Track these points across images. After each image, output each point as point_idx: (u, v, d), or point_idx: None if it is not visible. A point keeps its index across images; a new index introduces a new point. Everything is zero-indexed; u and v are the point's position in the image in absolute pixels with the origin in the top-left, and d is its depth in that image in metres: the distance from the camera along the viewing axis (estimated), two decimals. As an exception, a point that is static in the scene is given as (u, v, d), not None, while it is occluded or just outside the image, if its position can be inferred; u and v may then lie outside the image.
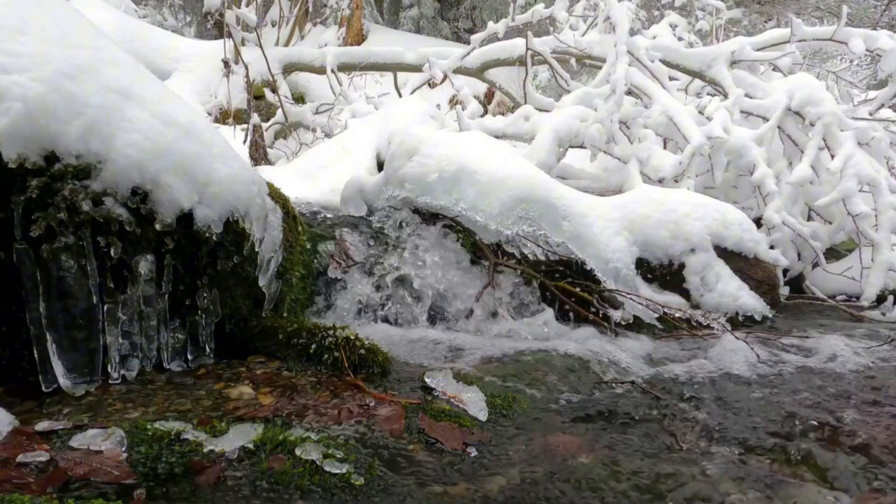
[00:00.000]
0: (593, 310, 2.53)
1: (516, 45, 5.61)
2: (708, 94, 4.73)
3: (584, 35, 5.25)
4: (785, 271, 3.44)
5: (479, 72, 6.06)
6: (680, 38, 7.05)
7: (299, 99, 7.43)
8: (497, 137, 3.84)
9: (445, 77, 5.19)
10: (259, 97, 6.45)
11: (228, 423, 1.31)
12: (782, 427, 1.58)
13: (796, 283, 3.62)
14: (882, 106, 4.13)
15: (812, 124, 3.66)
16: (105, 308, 1.50)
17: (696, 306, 2.76)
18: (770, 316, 2.86)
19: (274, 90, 6.14)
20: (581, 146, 3.91)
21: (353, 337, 1.76)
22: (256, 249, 1.83)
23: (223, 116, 6.57)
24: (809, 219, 3.82)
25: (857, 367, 2.10)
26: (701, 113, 4.01)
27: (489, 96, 9.11)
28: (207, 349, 1.74)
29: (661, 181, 3.53)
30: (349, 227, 2.54)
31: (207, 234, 1.66)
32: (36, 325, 1.40)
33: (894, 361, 2.17)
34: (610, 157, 3.89)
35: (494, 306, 2.51)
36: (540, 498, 1.18)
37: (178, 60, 7.39)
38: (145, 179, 1.51)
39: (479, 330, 2.40)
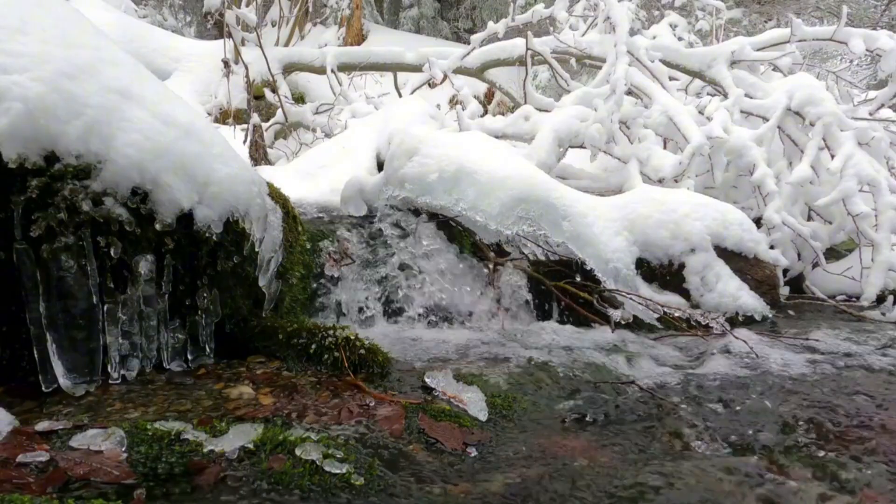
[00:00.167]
0: (593, 310, 2.53)
1: (516, 45, 5.60)
2: (708, 94, 4.73)
3: (584, 35, 5.25)
4: (785, 271, 3.44)
5: (479, 72, 6.06)
6: (680, 38, 7.05)
7: (299, 99, 7.43)
8: (497, 137, 3.84)
9: (445, 77, 5.19)
10: (259, 97, 6.44)
11: (228, 423, 1.31)
12: (783, 427, 1.58)
13: (796, 283, 3.62)
14: (882, 106, 4.12)
15: (812, 124, 3.65)
16: (105, 308, 1.50)
17: (696, 306, 2.76)
18: (770, 316, 2.86)
19: (274, 90, 6.14)
20: (581, 146, 3.90)
21: (352, 337, 1.76)
22: (256, 249, 1.83)
23: (223, 116, 6.57)
24: (809, 219, 3.82)
25: (857, 367, 2.10)
26: (701, 113, 4.01)
27: (489, 96, 9.11)
28: (207, 349, 1.74)
29: (661, 181, 3.53)
30: (349, 227, 2.54)
31: (207, 234, 1.66)
32: (36, 325, 1.40)
33: (894, 361, 2.17)
34: (610, 157, 3.88)
35: (494, 306, 2.51)
36: (540, 498, 1.17)
37: (178, 60, 7.39)
38: (145, 179, 1.51)
39: (479, 330, 2.40)
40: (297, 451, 1.19)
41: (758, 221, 3.34)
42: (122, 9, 9.58)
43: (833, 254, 3.88)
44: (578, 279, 2.61)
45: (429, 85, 5.58)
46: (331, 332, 1.78)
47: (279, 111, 6.01)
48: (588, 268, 2.62)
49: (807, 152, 3.60)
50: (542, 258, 2.64)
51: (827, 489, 1.27)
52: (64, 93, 1.42)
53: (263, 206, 1.88)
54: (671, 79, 4.48)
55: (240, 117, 6.10)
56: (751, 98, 4.03)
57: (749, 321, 2.78)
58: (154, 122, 1.58)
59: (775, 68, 4.55)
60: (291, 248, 2.14)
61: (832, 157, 3.55)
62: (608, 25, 4.48)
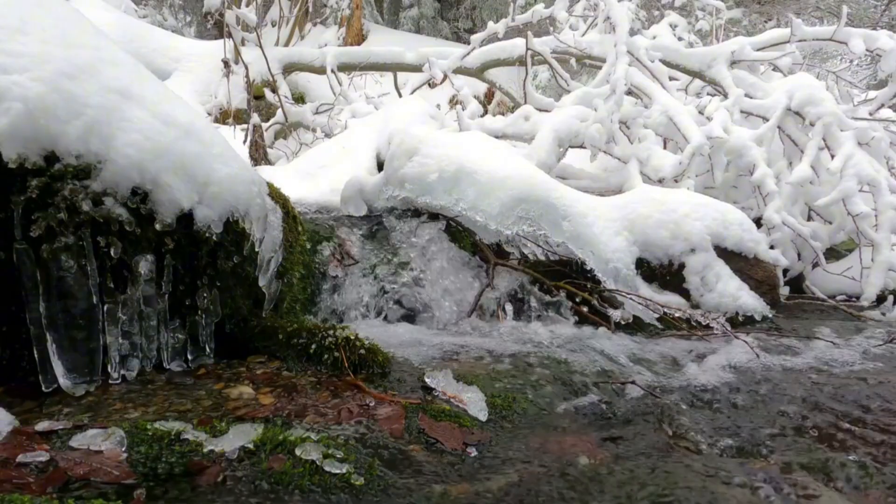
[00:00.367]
0: (593, 310, 2.53)
1: (516, 45, 5.61)
2: (708, 94, 4.73)
3: (584, 35, 5.25)
4: (785, 271, 3.44)
5: (479, 72, 6.06)
6: (680, 38, 7.06)
7: (299, 99, 7.43)
8: (497, 137, 3.84)
9: (445, 77, 5.19)
10: (259, 97, 6.45)
11: (228, 423, 1.31)
12: (782, 427, 1.58)
13: (796, 283, 3.62)
14: (882, 106, 4.13)
15: (812, 124, 3.66)
16: (105, 308, 1.50)
17: (696, 306, 2.76)
18: (770, 316, 2.86)
19: (274, 90, 6.14)
20: (581, 146, 3.90)
21: (353, 337, 1.76)
22: (256, 249, 1.83)
23: (223, 116, 6.57)
24: (809, 219, 3.82)
25: (857, 367, 2.10)
26: (701, 113, 4.01)
27: (489, 96, 9.12)
28: (207, 349, 1.74)
29: (661, 181, 3.53)
30: (349, 227, 2.54)
31: (207, 234, 1.66)
32: (36, 325, 1.40)
33: (894, 361, 2.17)
34: (610, 157, 3.89)
35: (494, 306, 2.51)
36: (540, 498, 1.17)
37: (178, 60, 7.39)
38: (145, 179, 1.51)
39: (479, 330, 2.40)
40: (297, 451, 1.19)
41: (758, 221, 3.34)
42: (122, 9, 9.59)
43: (833, 254, 3.88)
44: (578, 279, 2.61)
45: (429, 85, 5.58)
46: (331, 332, 1.78)
47: (279, 111, 6.02)
48: (588, 268, 2.62)
49: (807, 152, 3.60)
50: (542, 258, 2.64)
51: (827, 489, 1.27)
52: (64, 93, 1.42)
53: (263, 206, 1.88)
54: (671, 79, 4.49)
55: (240, 117, 6.10)
56: (751, 98, 4.04)
57: (749, 321, 2.78)
58: (154, 122, 1.58)
59: (775, 68, 4.55)
60: (291, 248, 2.14)
61: (832, 157, 3.55)
62: (608, 25, 4.48)
